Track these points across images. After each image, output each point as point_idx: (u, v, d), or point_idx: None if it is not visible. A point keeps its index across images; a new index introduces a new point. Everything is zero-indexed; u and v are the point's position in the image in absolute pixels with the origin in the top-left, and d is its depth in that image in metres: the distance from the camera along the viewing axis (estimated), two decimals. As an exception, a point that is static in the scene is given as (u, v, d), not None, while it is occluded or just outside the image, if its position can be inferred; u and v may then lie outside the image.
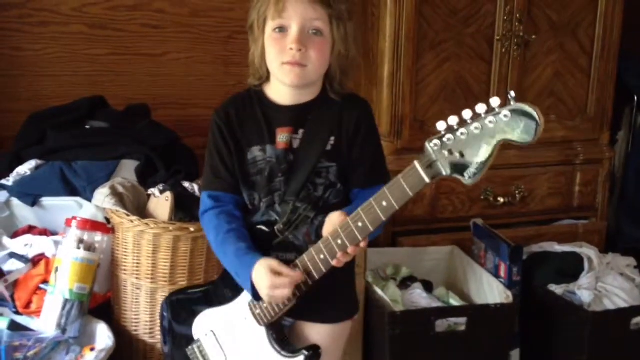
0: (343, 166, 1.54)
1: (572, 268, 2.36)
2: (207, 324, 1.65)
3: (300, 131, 1.54)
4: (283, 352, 1.54)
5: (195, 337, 1.67)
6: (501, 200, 2.58)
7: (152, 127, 2.48)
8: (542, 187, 2.64)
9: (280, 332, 1.57)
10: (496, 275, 2.29)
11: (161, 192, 2.09)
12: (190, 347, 1.67)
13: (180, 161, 2.32)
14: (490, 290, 2.25)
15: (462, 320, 2.12)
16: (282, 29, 1.47)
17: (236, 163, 1.56)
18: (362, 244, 1.38)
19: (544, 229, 2.64)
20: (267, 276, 1.44)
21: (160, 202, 2.06)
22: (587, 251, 2.41)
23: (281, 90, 1.55)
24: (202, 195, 1.62)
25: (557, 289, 2.28)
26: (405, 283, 2.37)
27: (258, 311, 1.55)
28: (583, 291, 2.24)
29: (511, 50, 2.48)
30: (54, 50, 2.65)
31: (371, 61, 2.50)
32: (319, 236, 1.51)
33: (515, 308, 2.19)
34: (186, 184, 2.16)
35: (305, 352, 1.53)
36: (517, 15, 2.45)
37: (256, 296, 1.50)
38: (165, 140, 2.41)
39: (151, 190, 2.13)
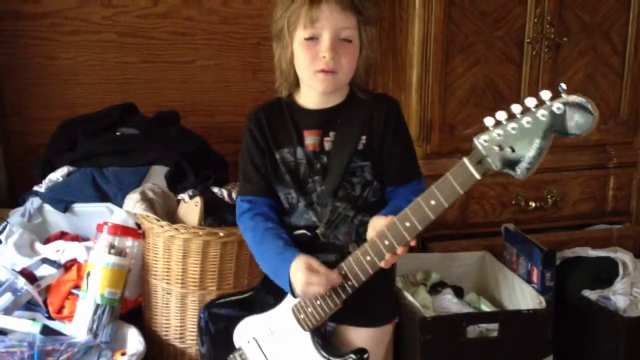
0: (377, 164, 1.55)
1: (606, 273, 2.32)
2: (249, 332, 1.64)
3: (332, 133, 1.55)
4: (330, 357, 1.53)
5: (237, 345, 1.65)
6: (532, 204, 2.55)
7: (182, 133, 2.50)
8: (575, 191, 2.60)
9: (325, 337, 1.55)
10: (528, 280, 2.26)
11: (191, 197, 2.10)
12: (232, 356, 1.66)
13: (209, 167, 2.32)
14: (523, 295, 2.22)
15: (494, 326, 2.09)
16: (313, 37, 1.49)
17: (268, 165, 1.58)
18: (412, 243, 1.38)
19: (577, 234, 2.60)
20: (303, 273, 1.44)
21: (190, 207, 2.07)
22: (622, 256, 2.36)
23: (310, 95, 1.57)
24: (236, 200, 1.64)
25: (591, 294, 2.24)
26: (436, 288, 2.34)
27: (302, 316, 1.54)
28: (618, 296, 2.20)
29: (542, 53, 2.45)
30: (85, 59, 2.69)
31: (399, 65, 2.49)
32: (359, 235, 1.53)
33: (549, 314, 2.16)
34: (215, 190, 2.17)
35: (353, 356, 1.51)
36: (548, 18, 2.42)
37: (293, 292, 1.50)
38: (195, 146, 2.42)
39: (181, 196, 2.14)
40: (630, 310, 2.18)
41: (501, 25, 2.42)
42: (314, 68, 1.49)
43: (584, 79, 2.54)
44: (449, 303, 2.25)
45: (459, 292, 2.35)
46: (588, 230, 2.63)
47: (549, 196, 2.56)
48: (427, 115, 2.43)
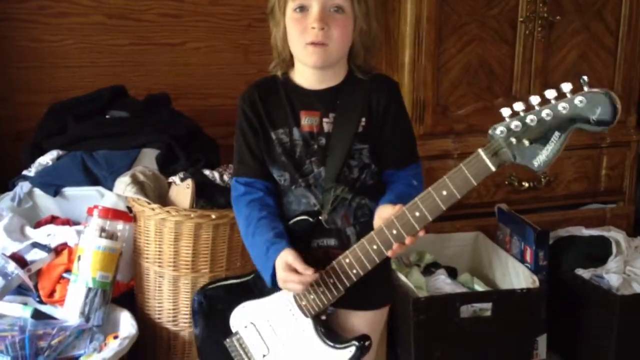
0: (375, 147, 1.52)
1: (599, 252, 2.32)
2: (246, 316, 1.61)
3: (331, 115, 1.52)
4: (332, 344, 1.51)
5: (234, 330, 1.63)
6: (526, 185, 2.55)
7: (173, 116, 2.48)
8: (568, 171, 2.60)
9: (327, 323, 1.54)
10: (522, 260, 2.26)
11: (182, 179, 2.09)
12: (229, 340, 1.64)
13: (201, 149, 2.31)
14: (516, 275, 2.22)
15: (488, 305, 2.09)
16: (302, 8, 1.45)
17: (263, 146, 1.55)
18: (421, 233, 1.36)
19: (571, 213, 2.60)
20: (281, 271, 1.45)
21: (181, 189, 2.05)
22: (615, 235, 2.37)
23: (306, 73, 1.54)
24: (232, 181, 1.61)
25: (584, 273, 2.25)
26: (429, 269, 2.34)
27: (304, 302, 1.52)
28: (611, 275, 2.20)
29: (535, 32, 2.44)
30: (73, 41, 2.66)
31: (392, 45, 2.47)
32: (356, 218, 1.51)
33: (542, 293, 2.16)
34: (207, 172, 2.15)
35: (357, 343, 1.49)
36: (541, -4, 2.41)
37: (274, 284, 1.50)
38: (186, 129, 2.40)
39: (172, 178, 2.12)
40: (623, 288, 2.19)
41: (494, 5, 2.40)
42: (303, 41, 1.46)
43: (577, 58, 2.53)
44: (443, 283, 2.25)
45: (452, 273, 2.35)
46: (581, 209, 2.64)
47: (542, 176, 2.55)
48: (420, 95, 2.41)
